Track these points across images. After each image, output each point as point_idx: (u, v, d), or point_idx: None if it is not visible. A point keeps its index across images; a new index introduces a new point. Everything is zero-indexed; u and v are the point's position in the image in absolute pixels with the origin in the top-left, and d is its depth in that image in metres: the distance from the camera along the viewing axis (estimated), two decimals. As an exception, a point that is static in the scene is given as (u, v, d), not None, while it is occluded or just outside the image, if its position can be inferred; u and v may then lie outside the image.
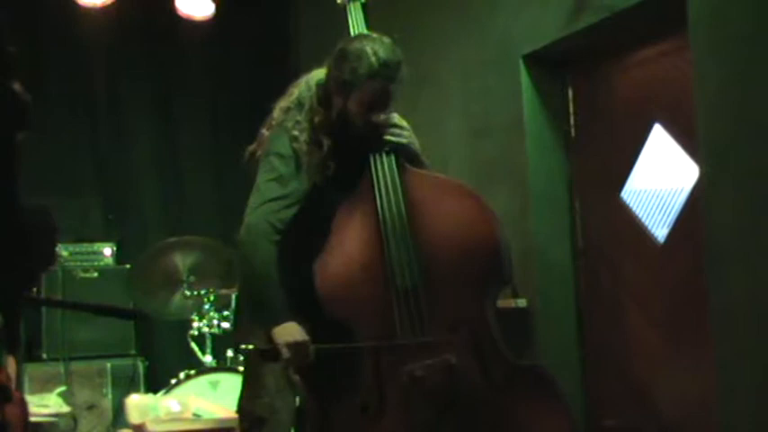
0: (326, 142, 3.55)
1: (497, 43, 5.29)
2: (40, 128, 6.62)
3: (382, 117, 3.58)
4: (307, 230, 3.52)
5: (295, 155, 3.52)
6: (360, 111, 3.52)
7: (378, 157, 3.61)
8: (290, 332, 3.36)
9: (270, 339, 3.39)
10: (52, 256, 5.58)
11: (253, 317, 3.56)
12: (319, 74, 3.67)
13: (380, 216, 3.53)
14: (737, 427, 3.89)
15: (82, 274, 6.73)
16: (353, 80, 3.47)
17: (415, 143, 3.75)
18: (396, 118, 3.71)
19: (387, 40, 3.55)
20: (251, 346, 3.45)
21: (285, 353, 3.33)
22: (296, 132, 3.54)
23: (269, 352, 3.37)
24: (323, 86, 3.62)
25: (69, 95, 7.33)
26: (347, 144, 3.59)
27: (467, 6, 5.56)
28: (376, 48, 3.47)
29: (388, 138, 3.64)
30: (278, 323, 3.37)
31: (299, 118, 3.58)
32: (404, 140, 3.69)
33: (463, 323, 3.47)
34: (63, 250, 6.74)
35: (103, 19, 7.03)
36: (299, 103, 3.62)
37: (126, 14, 7.11)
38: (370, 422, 3.42)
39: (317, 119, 3.57)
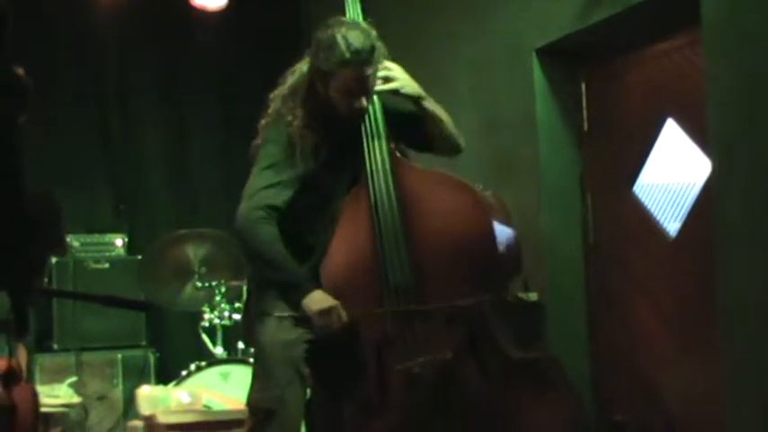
0: (319, 128, 3.57)
1: (509, 37, 5.28)
2: (51, 119, 6.70)
3: (365, 102, 3.58)
4: (301, 216, 3.52)
5: (290, 140, 3.53)
6: (340, 98, 3.54)
7: (372, 151, 3.61)
8: (317, 300, 3.39)
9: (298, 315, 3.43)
10: (58, 241, 5.58)
11: (279, 296, 3.55)
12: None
13: (374, 214, 3.53)
14: (745, 423, 3.88)
15: (93, 265, 6.74)
16: (328, 69, 3.50)
17: (409, 85, 3.73)
18: (386, 68, 3.70)
19: (362, 24, 3.58)
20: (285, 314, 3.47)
21: (317, 320, 3.37)
22: (290, 118, 3.57)
23: (301, 319, 3.40)
24: (307, 74, 3.64)
25: (81, 86, 7.34)
26: (338, 129, 3.61)
27: (479, 1, 5.55)
28: (347, 34, 3.47)
29: (379, 88, 3.65)
30: (304, 294, 3.41)
31: (292, 104, 3.61)
32: (395, 85, 3.70)
33: (460, 319, 3.46)
34: (74, 241, 6.75)
35: (116, 9, 7.05)
36: (293, 91, 3.65)
37: (139, 4, 7.13)
38: (373, 417, 3.43)
39: (309, 105, 3.59)
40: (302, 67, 3.71)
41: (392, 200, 3.55)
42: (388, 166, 3.60)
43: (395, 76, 3.72)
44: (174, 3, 7.03)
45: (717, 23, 4.00)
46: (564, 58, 5.14)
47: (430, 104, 3.78)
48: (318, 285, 3.46)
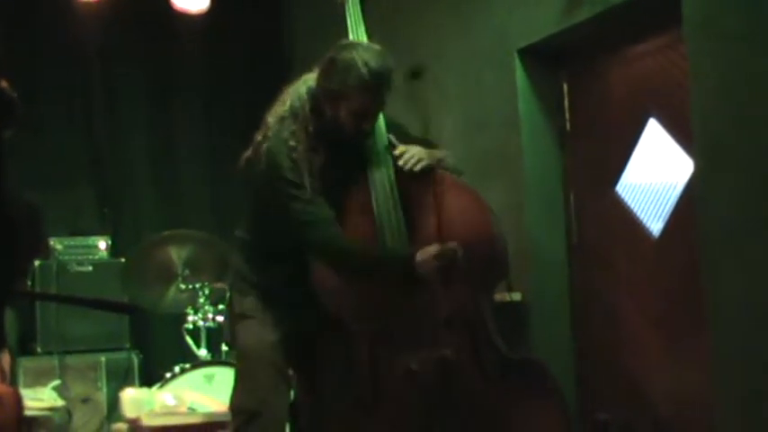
0: (323, 150, 3.53)
1: (493, 38, 5.29)
2: (34, 122, 6.67)
3: (372, 123, 3.57)
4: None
5: (294, 165, 3.49)
6: (350, 120, 3.50)
7: (376, 169, 3.60)
8: (425, 252, 3.37)
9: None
10: (37, 250, 5.56)
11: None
12: (309, 80, 3.65)
13: (375, 212, 3.53)
14: (731, 421, 3.90)
15: (76, 268, 6.71)
16: (343, 91, 3.46)
17: (427, 157, 3.68)
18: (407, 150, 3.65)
19: (377, 47, 3.53)
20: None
21: (438, 261, 3.35)
22: (293, 143, 3.51)
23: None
24: (313, 94, 3.59)
25: (64, 89, 7.32)
26: (340, 148, 3.58)
27: (462, 1, 5.56)
28: (366, 57, 3.43)
29: (418, 167, 3.60)
30: (411, 254, 3.38)
31: (294, 128, 3.54)
32: (424, 162, 3.65)
33: (459, 318, 3.47)
34: (57, 244, 6.73)
35: (99, 12, 7.03)
36: (293, 113, 3.59)
37: (121, 8, 7.11)
38: (364, 415, 3.43)
39: (310, 127, 3.55)
40: (299, 87, 3.66)
41: (395, 198, 3.53)
42: (390, 163, 3.60)
43: (421, 155, 3.65)
44: (157, 6, 7.02)
45: (698, 23, 4.01)
46: (546, 59, 5.16)
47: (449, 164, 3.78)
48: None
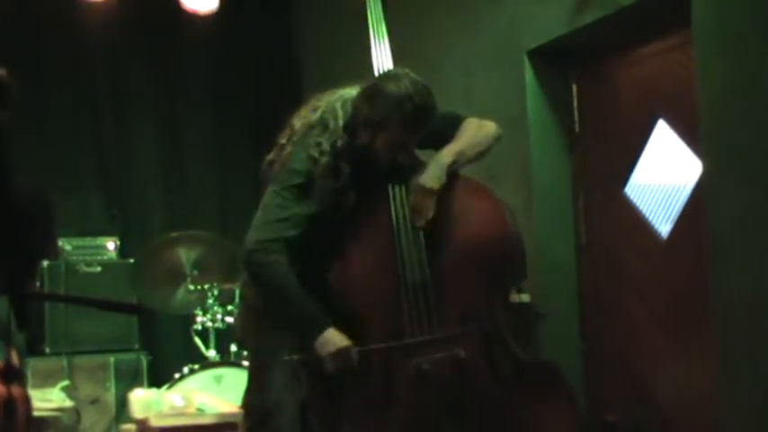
0: (345, 169, 3.48)
1: (501, 39, 5.29)
2: (42, 122, 6.68)
3: (408, 157, 3.54)
4: (316, 244, 3.49)
5: (310, 176, 3.46)
6: (385, 150, 3.46)
7: (395, 192, 3.57)
8: (330, 341, 3.36)
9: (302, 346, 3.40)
10: (52, 239, 5.56)
11: (289, 331, 3.50)
12: (346, 95, 3.60)
13: (392, 212, 3.51)
14: (739, 422, 3.90)
15: (85, 269, 6.72)
16: (384, 122, 3.40)
17: (439, 176, 3.57)
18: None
19: (421, 81, 3.45)
20: (295, 357, 3.44)
21: (329, 363, 3.35)
22: (315, 154, 3.47)
23: (312, 362, 3.38)
24: (351, 115, 3.54)
25: (72, 89, 7.33)
26: (366, 173, 3.53)
27: (471, 2, 5.56)
28: (411, 92, 3.38)
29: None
30: (317, 333, 3.37)
31: (320, 139, 3.49)
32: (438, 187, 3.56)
33: (473, 318, 3.47)
34: (66, 244, 6.74)
35: (106, 12, 7.04)
36: (323, 123, 3.54)
37: (129, 8, 7.12)
38: (377, 416, 3.42)
39: (339, 143, 3.49)
40: (334, 101, 3.60)
41: (416, 229, 3.52)
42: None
43: (427, 202, 3.52)
44: (166, 6, 7.02)
45: (707, 24, 4.01)
46: (555, 60, 5.15)
47: (469, 154, 3.69)
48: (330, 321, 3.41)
